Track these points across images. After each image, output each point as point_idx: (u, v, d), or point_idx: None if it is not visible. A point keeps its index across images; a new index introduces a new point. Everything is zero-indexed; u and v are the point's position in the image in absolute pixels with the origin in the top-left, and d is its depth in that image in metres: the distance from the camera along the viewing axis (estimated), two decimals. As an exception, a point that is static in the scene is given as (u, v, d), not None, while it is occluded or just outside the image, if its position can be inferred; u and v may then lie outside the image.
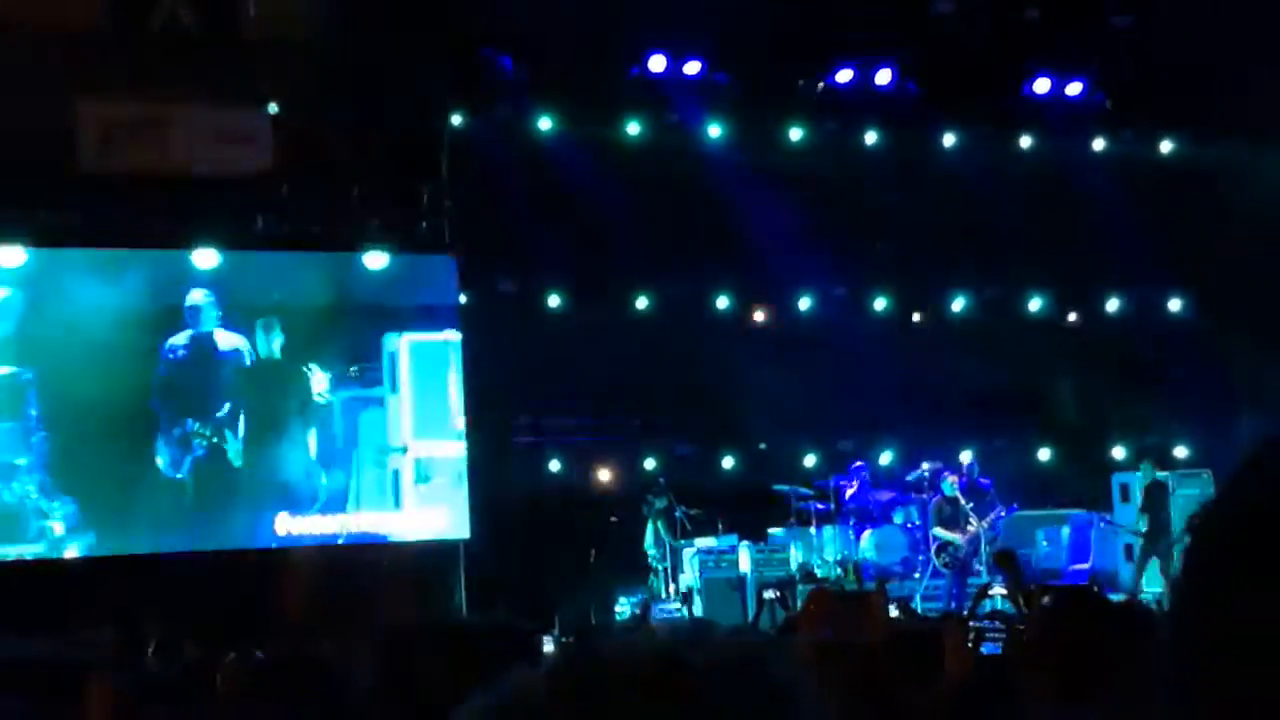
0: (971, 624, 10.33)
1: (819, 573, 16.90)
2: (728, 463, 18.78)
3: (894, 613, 12.88)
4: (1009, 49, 18.81)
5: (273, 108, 16.19)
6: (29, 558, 15.24)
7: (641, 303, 18.41)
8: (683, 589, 16.94)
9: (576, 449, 18.15)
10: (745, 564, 16.90)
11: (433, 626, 3.17)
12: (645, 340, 17.86)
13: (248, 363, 16.03)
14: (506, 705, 1.20)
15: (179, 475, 15.77)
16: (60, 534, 15.30)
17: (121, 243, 15.85)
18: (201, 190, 16.05)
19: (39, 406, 15.33)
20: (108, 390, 15.40)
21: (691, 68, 17.99)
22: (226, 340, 16.02)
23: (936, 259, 19.22)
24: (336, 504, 16.29)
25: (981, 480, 17.63)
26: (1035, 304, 19.94)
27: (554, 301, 18.02)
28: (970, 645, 8.26)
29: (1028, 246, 19.11)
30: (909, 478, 18.32)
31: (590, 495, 17.61)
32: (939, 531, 17.06)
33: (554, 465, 17.93)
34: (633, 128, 18.09)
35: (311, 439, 16.29)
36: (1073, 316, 20.19)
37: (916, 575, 17.33)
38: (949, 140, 19.25)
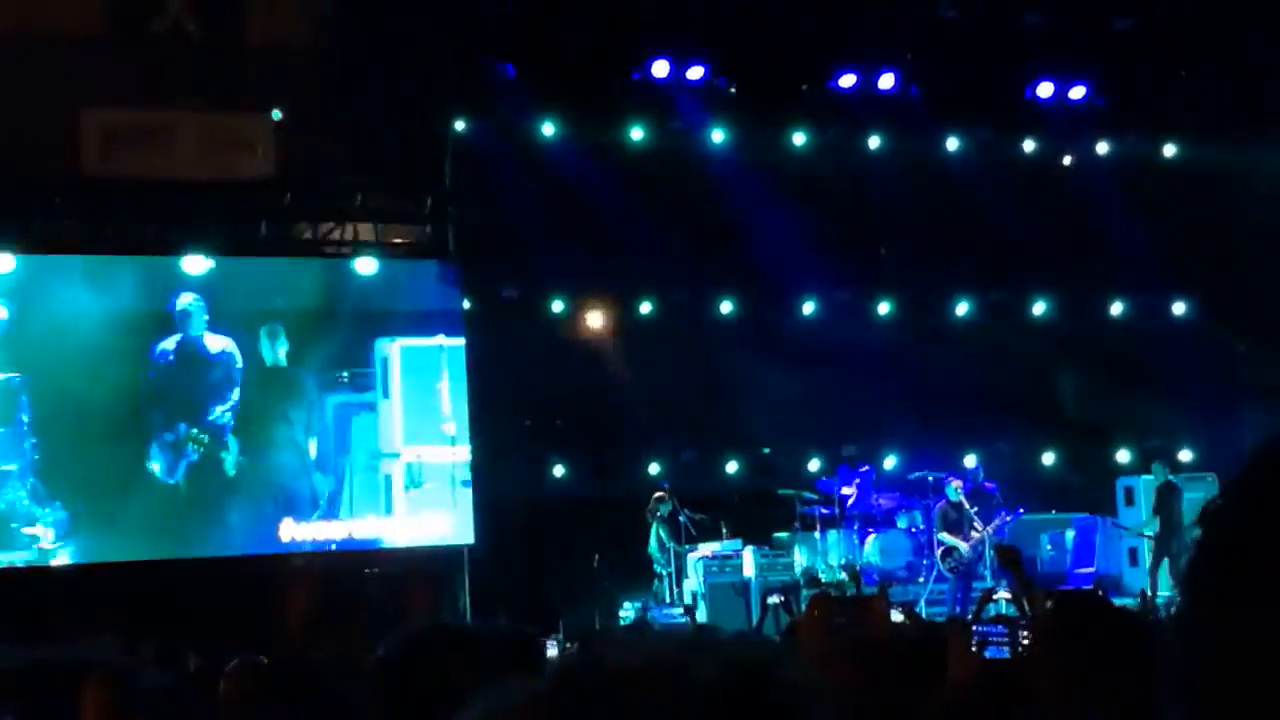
0: (976, 628, 10.31)
1: (823, 577, 16.88)
2: (732, 467, 18.77)
3: (898, 617, 12.87)
4: (1011, 53, 18.81)
5: (275, 114, 16.20)
6: (19, 565, 15.21)
7: (645, 307, 18.40)
8: (687, 594, 16.93)
9: (580, 454, 18.13)
10: (749, 569, 16.90)
11: (436, 632, 3.17)
12: (648, 345, 17.86)
13: (239, 366, 16.01)
14: (509, 712, 1.19)
15: (173, 481, 15.74)
16: (51, 540, 15.24)
17: (119, 249, 15.84)
18: (202, 196, 16.06)
19: (30, 412, 15.29)
20: (99, 396, 15.38)
21: (694, 73, 17.98)
22: (215, 344, 15.98)
23: (940, 263, 19.20)
24: (331, 510, 16.28)
25: (986, 484, 17.61)
26: (1039, 308, 19.92)
27: (557, 307, 18.02)
28: (974, 649, 8.26)
29: (1031, 250, 19.09)
30: (910, 476, 18.32)
31: (593, 500, 17.59)
32: (943, 536, 17.04)
33: (558, 470, 17.92)
34: (636, 133, 18.09)
35: (308, 444, 16.28)
36: (1076, 320, 20.16)
37: (921, 580, 17.31)
38: (952, 144, 19.24)
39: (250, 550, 15.90)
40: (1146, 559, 18.07)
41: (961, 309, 19.68)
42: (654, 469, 18.18)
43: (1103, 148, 19.75)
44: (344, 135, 16.41)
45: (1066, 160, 19.80)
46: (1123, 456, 20.10)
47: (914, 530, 17.89)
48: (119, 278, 15.64)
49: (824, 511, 17.55)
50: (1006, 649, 10.24)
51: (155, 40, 15.77)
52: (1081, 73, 19.20)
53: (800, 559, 17.34)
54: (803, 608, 13.55)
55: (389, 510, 16.49)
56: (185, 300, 15.88)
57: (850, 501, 17.79)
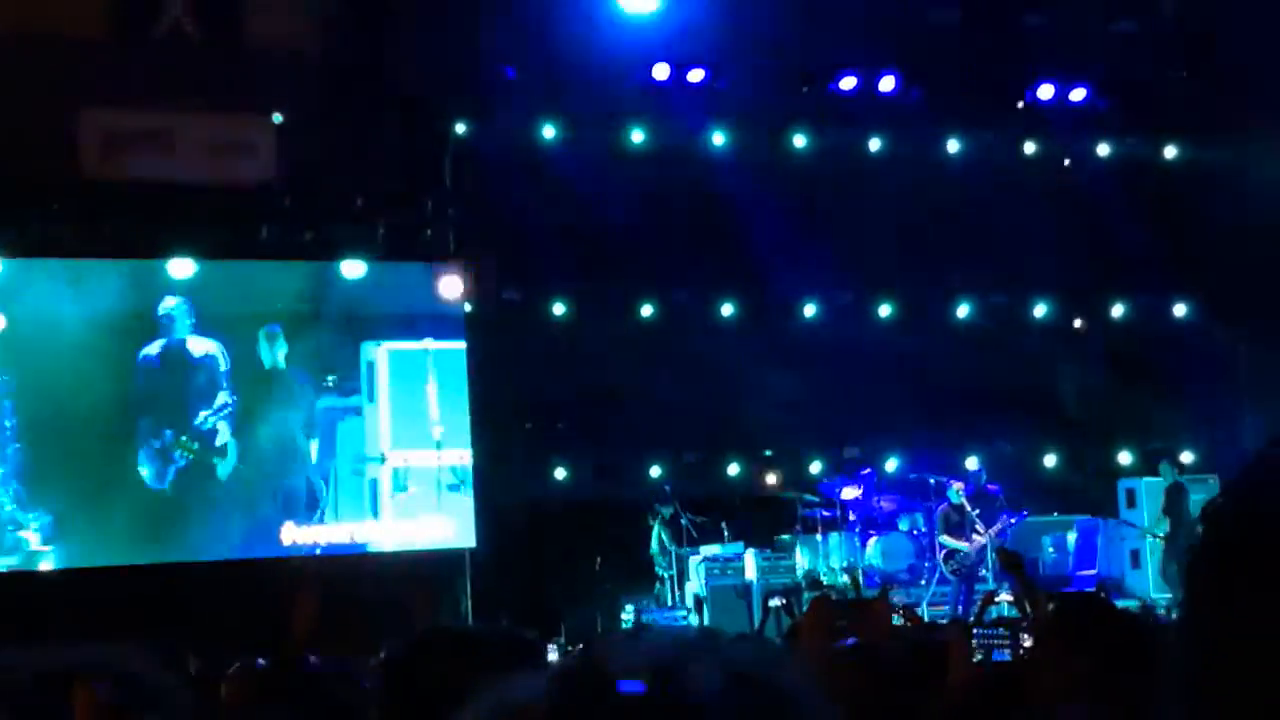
0: (978, 630, 10.30)
1: (825, 580, 16.88)
2: (733, 469, 18.77)
3: (899, 620, 12.86)
4: (1012, 55, 18.81)
5: (276, 116, 16.19)
6: (3, 570, 15.17)
7: (646, 310, 18.40)
8: (689, 597, 16.93)
9: (581, 456, 18.13)
10: (751, 571, 16.89)
11: (437, 635, 3.17)
12: (650, 347, 17.86)
13: (223, 369, 15.96)
14: (509, 713, 1.19)
15: (162, 487, 15.69)
16: (36, 545, 15.20)
17: (117, 253, 15.81)
18: (202, 199, 16.05)
19: (15, 417, 15.26)
20: (85, 400, 15.35)
21: (695, 75, 17.98)
22: (199, 347, 15.94)
23: (941, 265, 19.20)
24: (322, 514, 16.26)
25: (989, 486, 17.60)
26: (1040, 309, 19.92)
27: (558, 309, 18.02)
28: (976, 651, 8.25)
29: (1033, 252, 19.08)
30: (911, 478, 18.31)
31: (595, 503, 17.58)
32: (945, 539, 17.03)
33: (559, 473, 17.91)
34: (636, 135, 18.09)
35: (308, 446, 16.27)
36: (1078, 322, 20.16)
37: (923, 582, 17.30)
38: (953, 147, 19.24)
39: (248, 554, 15.87)
40: (1148, 561, 18.07)
41: (962, 311, 19.67)
42: (655, 471, 18.18)
43: (1103, 149, 19.74)
44: (345, 138, 16.40)
45: (1067, 162, 19.80)
46: (1124, 458, 20.09)
47: (916, 533, 17.88)
48: (104, 282, 15.57)
49: (826, 514, 17.55)
50: (1008, 651, 10.23)
51: (155, 42, 15.76)
52: (1082, 74, 19.20)
53: (802, 561, 17.33)
54: (804, 610, 13.54)
55: (375, 514, 16.47)
56: (169, 304, 15.83)
57: (841, 495, 17.78)
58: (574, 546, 17.06)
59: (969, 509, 17.04)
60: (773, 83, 18.42)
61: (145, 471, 15.61)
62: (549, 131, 17.68)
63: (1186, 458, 19.60)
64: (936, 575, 17.12)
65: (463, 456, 16.68)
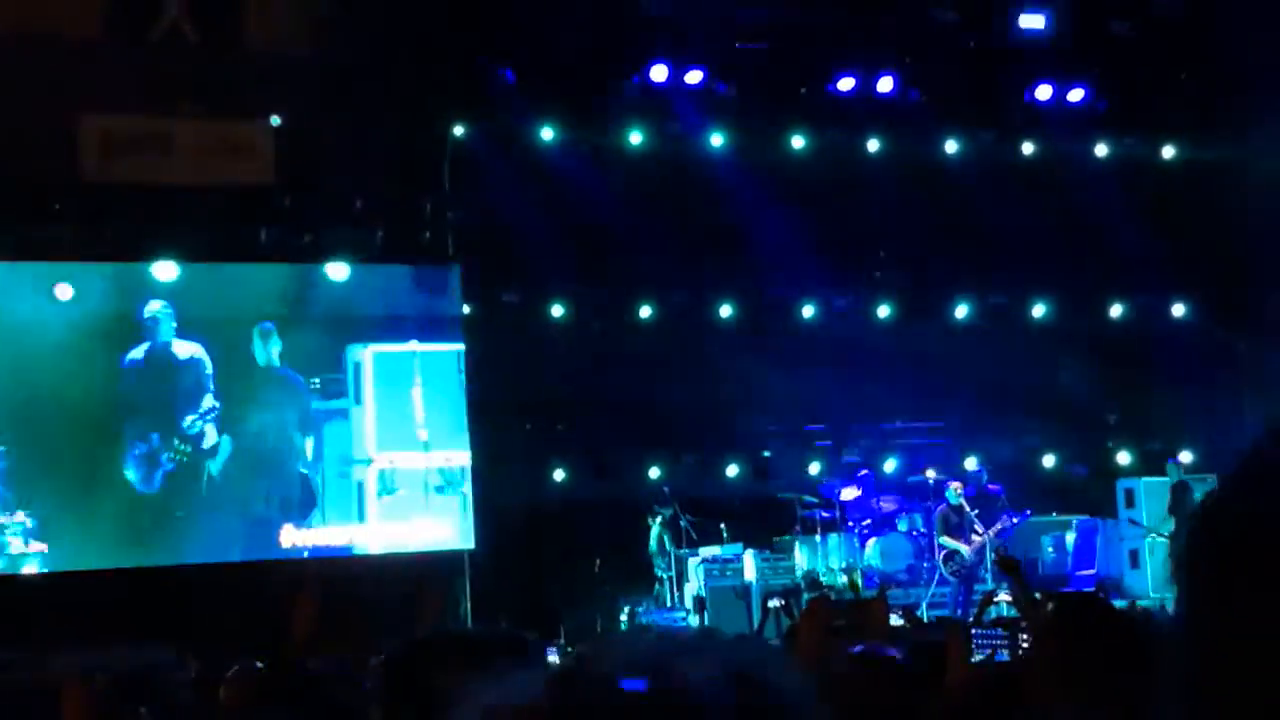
0: (976, 631, 10.30)
1: (824, 581, 16.88)
2: (732, 471, 18.77)
3: (898, 620, 12.85)
4: (1010, 56, 18.81)
5: (274, 119, 16.19)
6: None
7: (645, 311, 18.40)
8: (688, 597, 16.92)
9: (580, 457, 18.13)
10: (750, 572, 16.89)
11: (437, 637, 3.17)
12: (648, 349, 17.86)
13: (208, 372, 15.93)
14: (508, 713, 1.19)
15: (151, 491, 15.66)
16: (18, 549, 15.12)
17: (115, 255, 15.79)
18: (200, 201, 16.04)
19: None
20: (70, 404, 15.28)
21: (693, 77, 17.98)
22: (184, 350, 15.88)
23: (940, 266, 19.20)
24: (317, 516, 16.24)
25: (990, 487, 17.60)
26: (1039, 310, 19.92)
27: (557, 311, 18.01)
28: (977, 651, 8.25)
29: (1031, 253, 19.09)
30: (910, 479, 18.30)
31: (594, 504, 17.58)
32: (945, 540, 17.03)
33: (558, 474, 17.91)
34: (635, 137, 18.09)
35: (304, 445, 16.24)
36: (1076, 322, 20.16)
37: (922, 583, 17.30)
38: (951, 147, 19.24)
39: (247, 557, 15.84)
40: (1147, 561, 18.06)
41: (961, 311, 19.67)
42: (654, 472, 18.18)
43: (1102, 150, 19.74)
44: (343, 140, 16.40)
45: (1066, 163, 19.80)
46: (1123, 458, 20.09)
47: (915, 533, 17.88)
48: (89, 284, 15.52)
49: (824, 515, 17.55)
50: (1007, 652, 10.23)
51: (154, 45, 15.75)
52: (1080, 75, 19.20)
53: (801, 562, 17.33)
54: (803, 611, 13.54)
55: (362, 517, 16.45)
56: (153, 308, 15.78)
57: (840, 496, 17.78)
58: (573, 548, 17.06)
59: (968, 509, 17.03)
60: (771, 84, 18.42)
61: (132, 475, 15.55)
62: (547, 133, 17.68)
63: (1185, 457, 19.60)
64: (936, 576, 17.12)
65: (450, 458, 16.64)
